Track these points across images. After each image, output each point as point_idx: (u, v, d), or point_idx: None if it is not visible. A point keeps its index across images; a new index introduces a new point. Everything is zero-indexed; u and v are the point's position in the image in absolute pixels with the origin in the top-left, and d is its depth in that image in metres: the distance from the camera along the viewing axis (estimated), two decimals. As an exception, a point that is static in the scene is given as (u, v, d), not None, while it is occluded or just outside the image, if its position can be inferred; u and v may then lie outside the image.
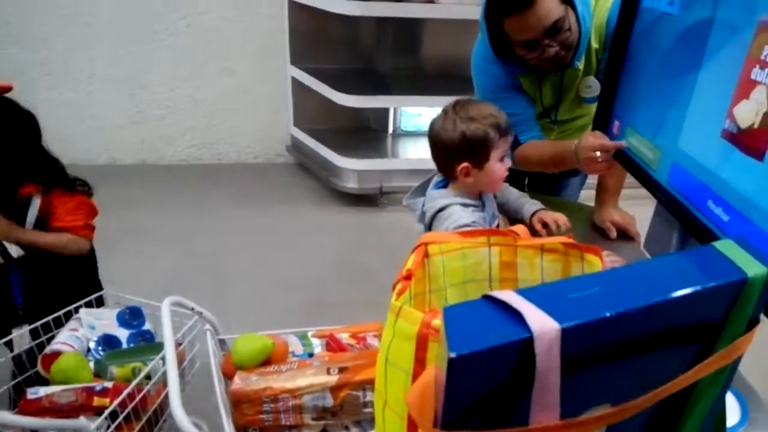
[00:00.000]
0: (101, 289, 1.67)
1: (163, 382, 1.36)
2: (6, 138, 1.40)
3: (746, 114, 0.90)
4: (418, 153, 3.44)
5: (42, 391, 1.24)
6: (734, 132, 0.92)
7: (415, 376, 0.62)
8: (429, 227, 1.36)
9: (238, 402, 1.11)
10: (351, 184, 3.32)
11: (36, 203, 1.52)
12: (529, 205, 1.47)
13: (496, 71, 1.53)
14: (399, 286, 0.70)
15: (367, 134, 3.65)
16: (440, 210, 1.31)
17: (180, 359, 1.40)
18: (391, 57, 3.46)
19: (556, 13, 1.31)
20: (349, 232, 3.10)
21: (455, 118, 1.26)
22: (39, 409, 1.21)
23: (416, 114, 3.60)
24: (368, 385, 1.16)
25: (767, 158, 0.85)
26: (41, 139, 1.51)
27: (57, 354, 1.34)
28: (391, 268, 3.19)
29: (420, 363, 0.62)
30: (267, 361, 1.25)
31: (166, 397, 1.39)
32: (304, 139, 3.60)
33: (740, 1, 0.94)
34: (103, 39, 3.45)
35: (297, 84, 3.55)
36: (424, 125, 3.59)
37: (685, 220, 1.06)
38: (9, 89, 1.45)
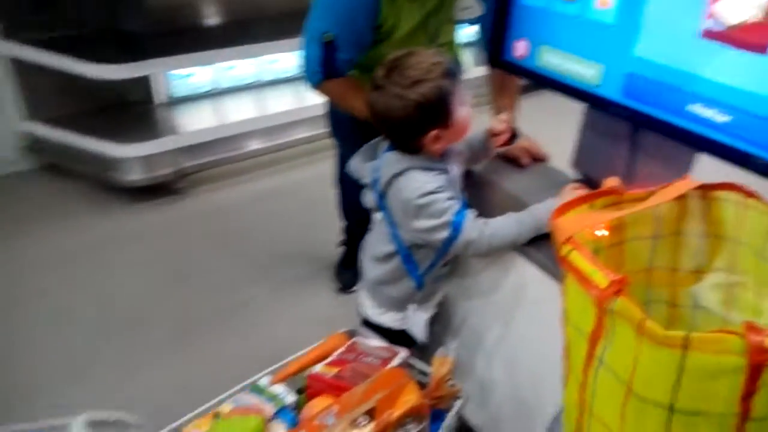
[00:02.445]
0: None
1: None
2: None
3: (734, 10, 0.88)
4: (206, 120, 2.96)
5: None
6: (721, 30, 0.90)
7: (744, 417, 0.45)
8: (383, 196, 1.15)
9: None
10: (136, 176, 2.72)
11: None
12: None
13: None
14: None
15: (133, 110, 3.00)
16: (396, 175, 1.11)
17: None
18: (140, 11, 2.82)
19: None
20: (157, 232, 2.55)
21: (397, 89, 1.05)
22: None
23: (186, 75, 3.07)
24: (409, 416, 0.94)
25: (772, 50, 0.85)
26: None
27: None
28: (228, 257, 2.83)
29: (747, 402, 0.45)
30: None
31: None
32: (50, 135, 2.79)
33: None
34: None
35: (17, 65, 2.69)
36: (201, 85, 3.13)
37: (662, 129, 1.04)
38: None
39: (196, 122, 2.94)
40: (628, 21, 1.04)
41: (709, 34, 0.92)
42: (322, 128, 2.84)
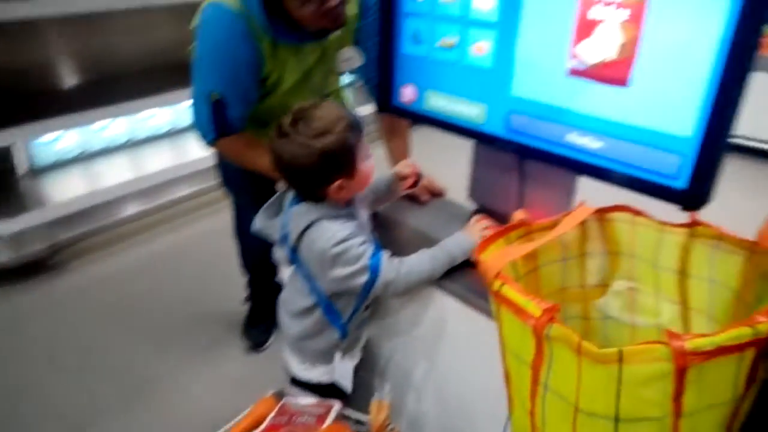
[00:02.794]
0: None
1: None
2: None
3: (593, 50, 1.01)
4: (77, 187, 2.74)
5: None
6: (585, 68, 1.03)
7: (678, 414, 0.51)
8: (295, 250, 1.16)
9: None
10: (3, 257, 2.45)
11: None
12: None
13: (245, 47, 1.38)
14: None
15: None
16: (307, 228, 1.12)
17: None
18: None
19: None
20: (35, 316, 2.30)
21: (303, 138, 1.07)
22: None
23: (51, 140, 2.84)
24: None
25: (631, 81, 0.98)
26: None
27: None
28: (124, 332, 2.65)
29: (678, 401, 0.51)
30: None
31: None
32: None
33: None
34: None
35: None
36: (69, 150, 2.90)
37: (544, 159, 1.15)
38: None
39: (66, 190, 2.71)
40: (503, 65, 1.15)
41: (576, 72, 1.04)
42: (208, 182, 2.77)
